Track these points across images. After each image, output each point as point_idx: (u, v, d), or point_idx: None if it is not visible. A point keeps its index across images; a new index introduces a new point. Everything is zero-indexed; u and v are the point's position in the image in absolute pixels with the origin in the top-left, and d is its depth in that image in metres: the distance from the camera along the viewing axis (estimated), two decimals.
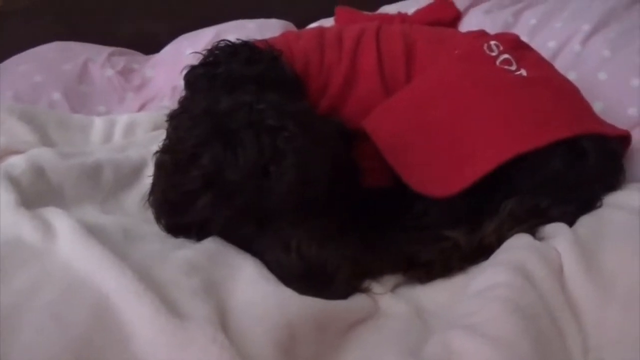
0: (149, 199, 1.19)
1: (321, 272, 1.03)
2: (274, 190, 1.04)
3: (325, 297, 1.00)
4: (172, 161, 1.11)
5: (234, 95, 1.15)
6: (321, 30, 1.64)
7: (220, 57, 1.39)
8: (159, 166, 1.16)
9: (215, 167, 1.04)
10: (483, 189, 1.23)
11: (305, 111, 1.18)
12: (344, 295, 1.04)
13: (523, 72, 1.37)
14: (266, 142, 1.04)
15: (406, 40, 1.51)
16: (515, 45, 1.47)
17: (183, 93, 1.40)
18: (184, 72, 1.40)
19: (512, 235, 1.17)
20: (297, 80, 1.38)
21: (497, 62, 1.40)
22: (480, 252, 1.17)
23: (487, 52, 1.42)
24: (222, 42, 1.43)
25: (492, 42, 1.45)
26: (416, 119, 1.32)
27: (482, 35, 1.55)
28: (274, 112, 1.08)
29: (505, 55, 1.41)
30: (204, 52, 1.42)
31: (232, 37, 1.47)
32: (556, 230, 1.16)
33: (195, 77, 1.38)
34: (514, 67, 1.39)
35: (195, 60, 1.42)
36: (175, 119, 1.19)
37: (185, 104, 1.27)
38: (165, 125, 1.26)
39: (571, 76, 1.65)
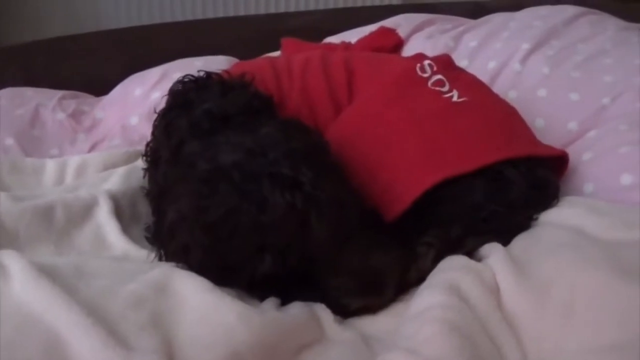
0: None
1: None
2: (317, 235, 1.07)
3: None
4: (207, 234, 1.08)
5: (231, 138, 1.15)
6: (271, 59, 1.66)
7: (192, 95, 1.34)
8: (194, 244, 1.11)
9: (259, 233, 1.06)
10: (407, 218, 1.26)
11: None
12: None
13: (455, 93, 1.38)
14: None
15: (347, 67, 1.52)
16: (448, 66, 1.50)
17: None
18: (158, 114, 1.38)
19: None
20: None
21: (429, 83, 1.42)
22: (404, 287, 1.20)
23: (420, 73, 1.44)
24: (185, 77, 1.39)
25: (426, 63, 1.46)
26: (343, 151, 1.31)
27: (418, 57, 1.57)
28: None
29: (438, 76, 1.43)
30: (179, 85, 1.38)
31: (180, 76, 1.43)
32: (490, 250, 1.18)
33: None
34: (446, 88, 1.40)
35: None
36: (181, 183, 1.14)
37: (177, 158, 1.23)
38: (115, 164, 1.27)
39: (512, 95, 1.70)
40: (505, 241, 1.23)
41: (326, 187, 1.08)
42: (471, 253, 1.22)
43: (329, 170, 1.14)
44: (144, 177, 1.41)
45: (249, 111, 1.27)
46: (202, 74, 1.40)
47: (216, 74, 1.40)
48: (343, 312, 1.14)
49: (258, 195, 1.05)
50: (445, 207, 1.26)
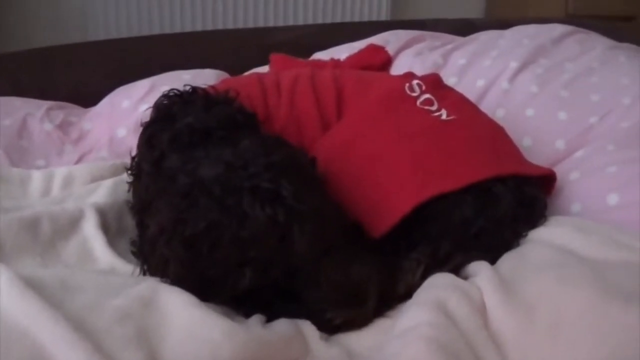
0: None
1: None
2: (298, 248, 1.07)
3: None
4: (186, 247, 1.07)
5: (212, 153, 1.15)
6: (259, 75, 1.66)
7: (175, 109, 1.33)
8: (173, 258, 1.10)
9: (239, 247, 1.05)
10: (395, 234, 1.26)
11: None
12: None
13: (444, 112, 1.39)
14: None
15: (337, 85, 1.53)
16: (437, 85, 1.50)
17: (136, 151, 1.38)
18: (143, 126, 1.37)
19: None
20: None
21: (418, 102, 1.42)
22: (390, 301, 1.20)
23: (409, 92, 1.44)
24: (171, 92, 1.38)
25: (415, 82, 1.46)
26: (331, 167, 1.30)
27: (407, 76, 1.57)
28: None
29: (427, 95, 1.43)
30: (164, 99, 1.37)
31: (168, 88, 1.41)
32: (478, 268, 1.18)
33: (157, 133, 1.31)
34: (434, 107, 1.40)
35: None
36: (162, 196, 1.14)
37: (160, 172, 1.22)
38: (102, 176, 1.26)
39: (499, 113, 1.70)
40: (493, 258, 1.23)
41: (307, 200, 1.08)
42: (458, 270, 1.22)
43: (310, 184, 1.14)
44: (128, 190, 1.40)
45: (232, 126, 1.27)
46: (188, 88, 1.39)
47: (201, 88, 1.39)
48: (328, 327, 1.13)
49: (238, 210, 1.04)
50: (433, 224, 1.27)
